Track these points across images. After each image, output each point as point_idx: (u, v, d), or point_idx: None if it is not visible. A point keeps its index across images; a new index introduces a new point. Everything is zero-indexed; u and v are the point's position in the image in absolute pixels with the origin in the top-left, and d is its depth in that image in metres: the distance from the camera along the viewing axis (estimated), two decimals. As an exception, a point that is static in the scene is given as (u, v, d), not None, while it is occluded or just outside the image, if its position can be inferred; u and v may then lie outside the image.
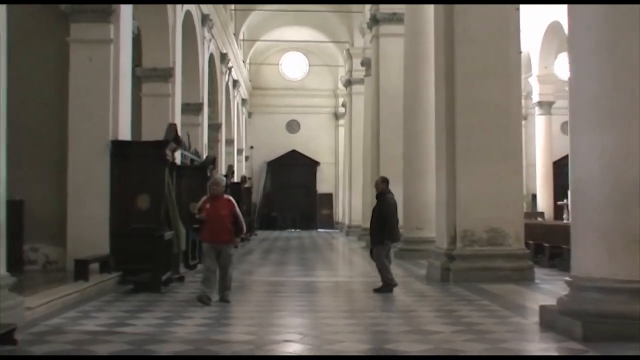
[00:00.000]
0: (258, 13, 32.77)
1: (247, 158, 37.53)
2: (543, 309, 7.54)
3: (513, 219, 11.90)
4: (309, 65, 41.86)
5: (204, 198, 9.40)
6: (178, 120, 17.14)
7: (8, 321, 6.76)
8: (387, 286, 10.41)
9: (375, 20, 21.78)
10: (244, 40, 33.91)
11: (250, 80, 39.29)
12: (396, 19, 21.40)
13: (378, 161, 21.31)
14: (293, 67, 42.25)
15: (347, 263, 18.29)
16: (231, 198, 9.36)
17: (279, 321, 7.85)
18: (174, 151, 12.28)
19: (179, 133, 16.12)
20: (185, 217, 12.07)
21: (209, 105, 23.24)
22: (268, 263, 16.12)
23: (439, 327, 7.32)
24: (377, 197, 11.00)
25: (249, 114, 40.06)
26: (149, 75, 16.37)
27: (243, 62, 35.01)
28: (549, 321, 7.24)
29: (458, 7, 12.03)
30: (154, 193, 11.67)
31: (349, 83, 32.27)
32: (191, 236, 13.16)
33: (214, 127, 24.91)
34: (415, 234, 17.20)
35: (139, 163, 11.77)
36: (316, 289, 11.49)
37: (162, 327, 7.36)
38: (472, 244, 11.78)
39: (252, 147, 39.17)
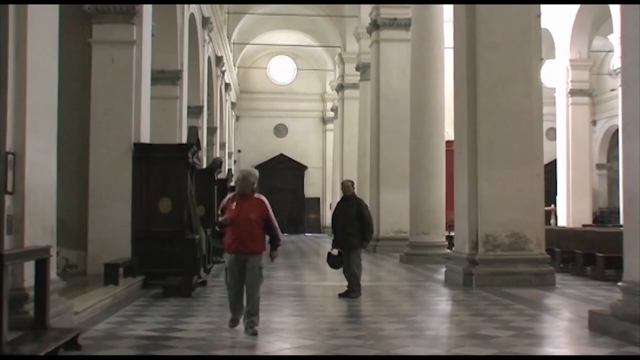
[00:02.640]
0: (249, 16, 32.67)
1: (234, 162, 37.37)
2: (593, 313, 7.60)
3: (534, 224, 11.98)
4: (297, 69, 41.83)
5: (228, 196, 7.50)
6: (184, 122, 17.05)
7: (59, 326, 6.67)
8: (355, 291, 10.19)
9: (375, 26, 21.85)
10: (234, 43, 33.77)
11: (238, 84, 39.16)
12: (397, 24, 21.56)
13: (378, 165, 21.38)
14: (281, 71, 42.19)
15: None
16: (263, 198, 7.33)
17: (329, 326, 7.81)
18: (194, 155, 12.19)
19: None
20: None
21: (207, 108, 23.13)
22: (279, 267, 16.01)
23: (491, 331, 7.33)
24: (347, 199, 10.65)
25: (237, 118, 39.91)
26: (157, 77, 16.18)
27: (233, 65, 34.90)
28: (601, 326, 7.29)
29: (480, 14, 12.10)
30: (176, 196, 11.60)
31: (341, 87, 32.30)
32: (212, 243, 12.79)
33: (210, 131, 24.78)
34: (421, 239, 17.27)
35: (161, 166, 11.69)
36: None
37: (216, 332, 7.29)
38: (494, 249, 11.84)
39: (239, 151, 39.03)
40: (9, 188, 6.32)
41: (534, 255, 11.90)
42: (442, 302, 10.25)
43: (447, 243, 17.89)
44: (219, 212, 7.43)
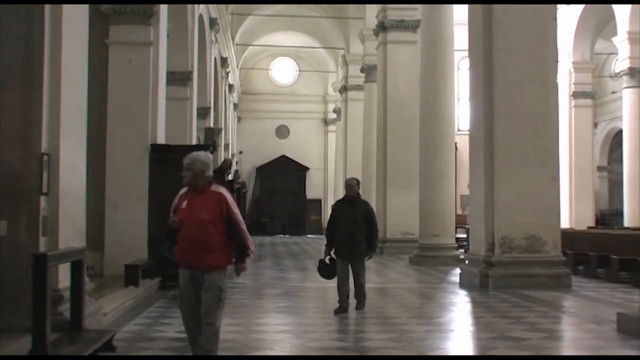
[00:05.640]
0: (252, 18, 32.66)
1: (237, 163, 37.35)
2: (622, 316, 7.59)
3: (551, 226, 12.00)
4: (299, 70, 41.87)
5: (180, 192, 5.52)
6: (194, 123, 17.02)
7: (90, 327, 6.64)
8: (361, 302, 9.00)
9: (382, 27, 21.84)
10: (237, 44, 33.74)
11: (240, 85, 39.16)
12: (404, 25, 21.55)
13: (385, 167, 21.33)
14: (283, 72, 42.23)
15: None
16: (223, 192, 5.40)
17: (357, 327, 7.82)
18: (209, 156, 12.14)
19: (197, 136, 16.06)
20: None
21: (213, 110, 23.11)
22: (290, 269, 16.03)
23: (521, 333, 7.30)
24: (352, 200, 9.10)
25: (239, 119, 39.91)
26: (168, 78, 16.10)
27: (236, 66, 34.90)
28: (631, 328, 7.27)
29: (496, 16, 12.12)
30: (192, 198, 11.53)
31: (344, 89, 32.29)
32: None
33: (216, 132, 24.71)
34: (431, 241, 17.25)
35: (177, 167, 11.52)
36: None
37: (246, 333, 7.27)
38: (511, 251, 11.84)
39: (241, 152, 38.99)
40: (44, 189, 6.30)
41: (550, 257, 11.91)
42: (463, 303, 10.24)
43: (456, 245, 17.92)
44: (172, 213, 5.42)
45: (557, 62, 12.75)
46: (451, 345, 6.70)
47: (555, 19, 12.41)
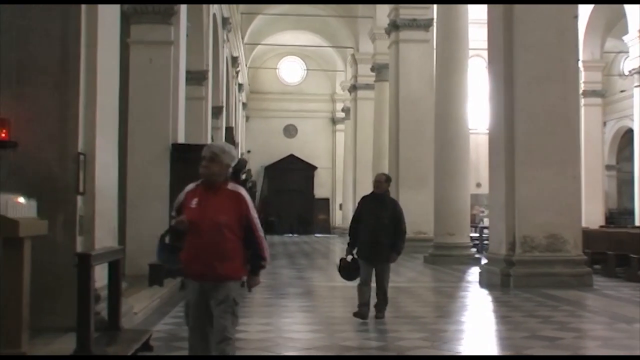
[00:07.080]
0: (261, 17, 32.65)
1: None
2: (653, 315, 7.61)
3: (572, 225, 11.98)
4: (307, 69, 41.88)
5: (188, 188, 4.66)
6: (209, 123, 17.03)
7: (124, 326, 6.65)
8: (382, 310, 8.31)
9: (395, 26, 21.79)
10: (245, 44, 33.72)
11: (248, 84, 39.17)
12: (416, 24, 21.51)
13: (397, 167, 21.26)
14: (290, 71, 42.24)
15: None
16: (242, 192, 4.60)
17: (388, 327, 7.80)
18: (229, 155, 12.13)
19: (212, 135, 16.07)
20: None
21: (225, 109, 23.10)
22: (306, 268, 16.03)
23: (552, 332, 7.30)
24: (380, 198, 8.30)
25: (247, 118, 39.92)
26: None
27: (245, 65, 34.91)
28: (662, 327, 7.30)
29: (517, 14, 12.10)
30: (213, 197, 11.52)
31: (353, 88, 32.26)
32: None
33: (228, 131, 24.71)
34: (447, 240, 17.25)
35: (198, 167, 11.59)
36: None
37: (277, 332, 7.28)
38: (532, 250, 11.83)
39: (249, 151, 38.98)
40: (81, 189, 6.30)
41: (571, 256, 11.89)
42: (486, 302, 10.24)
43: (471, 244, 17.90)
44: (173, 212, 4.67)
45: (578, 60, 12.70)
46: (485, 345, 6.69)
47: (576, 17, 12.41)
